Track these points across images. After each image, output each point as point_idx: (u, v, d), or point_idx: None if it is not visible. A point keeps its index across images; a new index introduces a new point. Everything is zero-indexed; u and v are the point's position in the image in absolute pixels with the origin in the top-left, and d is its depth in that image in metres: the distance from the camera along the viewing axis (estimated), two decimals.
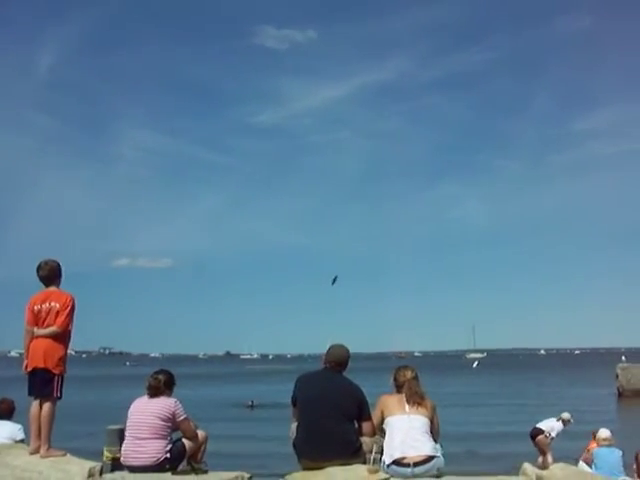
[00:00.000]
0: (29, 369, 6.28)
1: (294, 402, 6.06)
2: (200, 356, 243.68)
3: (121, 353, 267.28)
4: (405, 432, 5.70)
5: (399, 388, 6.13)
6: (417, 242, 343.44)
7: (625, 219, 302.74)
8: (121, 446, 6.20)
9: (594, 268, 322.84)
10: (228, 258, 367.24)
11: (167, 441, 6.06)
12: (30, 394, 6.34)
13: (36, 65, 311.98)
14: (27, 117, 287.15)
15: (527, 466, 5.70)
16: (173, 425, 6.12)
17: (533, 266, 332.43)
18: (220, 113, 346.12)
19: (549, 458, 13.55)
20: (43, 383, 6.23)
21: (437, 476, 5.56)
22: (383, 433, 5.92)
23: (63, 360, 6.33)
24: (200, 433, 6.38)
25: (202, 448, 6.43)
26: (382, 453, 5.78)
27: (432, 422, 5.89)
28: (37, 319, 6.30)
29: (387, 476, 5.46)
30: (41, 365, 6.20)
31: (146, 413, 6.08)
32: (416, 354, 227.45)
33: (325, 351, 6.24)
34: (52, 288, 6.44)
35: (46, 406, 6.22)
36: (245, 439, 21.36)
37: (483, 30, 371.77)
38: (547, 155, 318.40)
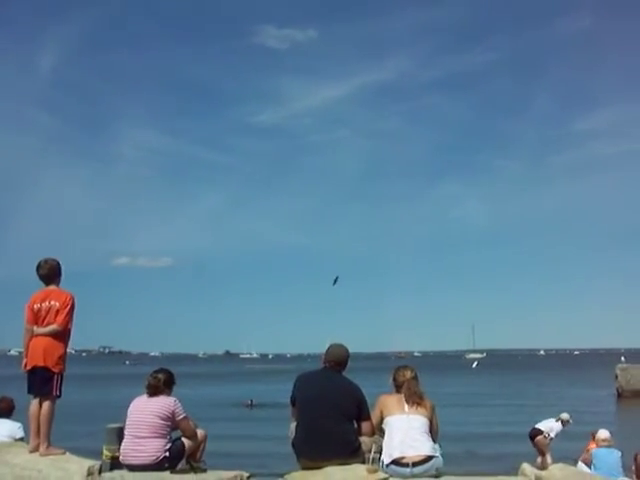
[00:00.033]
0: (28, 367, 6.29)
1: (293, 402, 6.07)
2: (200, 355, 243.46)
3: (121, 352, 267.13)
4: (404, 432, 5.70)
5: (398, 388, 6.14)
6: (417, 242, 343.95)
7: (625, 220, 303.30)
8: (120, 445, 6.20)
9: (594, 268, 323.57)
10: (228, 258, 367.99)
11: (166, 440, 6.05)
12: (29, 392, 6.34)
13: (37, 65, 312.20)
14: (28, 116, 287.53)
15: (526, 466, 5.70)
16: (172, 424, 6.12)
17: (533, 266, 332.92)
18: (220, 113, 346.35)
19: (548, 458, 13.55)
20: (43, 382, 6.24)
21: (436, 476, 5.56)
22: (382, 433, 5.92)
23: (63, 359, 6.34)
24: (199, 432, 6.38)
25: (201, 447, 6.43)
26: (381, 453, 5.78)
27: (431, 422, 5.89)
28: (37, 318, 6.30)
29: (386, 476, 5.46)
30: (41, 363, 6.21)
31: (145, 412, 6.08)
32: (416, 354, 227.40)
33: (325, 351, 6.25)
34: (52, 287, 6.44)
35: (45, 405, 6.23)
36: (244, 438, 21.36)
37: (483, 30, 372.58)
38: (547, 155, 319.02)
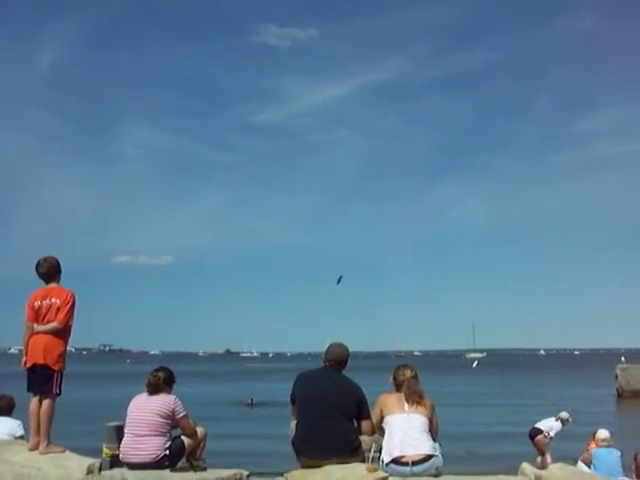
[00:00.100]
0: (28, 365, 6.29)
1: (293, 400, 6.07)
2: (200, 354, 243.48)
3: (121, 350, 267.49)
4: (404, 431, 5.71)
5: (398, 387, 6.14)
6: (417, 241, 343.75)
7: (626, 220, 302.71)
8: (120, 443, 6.21)
9: (594, 269, 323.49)
10: (228, 256, 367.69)
11: (166, 438, 6.06)
12: (29, 390, 6.35)
13: (37, 63, 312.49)
14: (28, 115, 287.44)
15: (526, 466, 5.70)
16: (172, 422, 6.12)
17: (533, 266, 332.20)
18: (221, 111, 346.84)
19: (548, 458, 13.55)
20: (42, 379, 6.23)
21: (436, 475, 5.56)
22: (382, 432, 5.93)
23: (63, 356, 6.33)
24: (199, 430, 6.38)
25: (201, 445, 6.44)
26: (381, 452, 5.79)
27: (431, 421, 5.90)
28: (37, 315, 6.30)
29: (386, 475, 5.46)
30: (41, 361, 6.21)
31: (145, 410, 6.08)
32: (416, 353, 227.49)
33: (325, 349, 6.25)
34: (53, 285, 6.45)
35: (45, 403, 6.23)
36: (244, 437, 21.36)
37: (484, 30, 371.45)
38: (548, 155, 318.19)
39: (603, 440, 11.05)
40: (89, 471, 5.75)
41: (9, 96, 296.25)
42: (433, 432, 5.91)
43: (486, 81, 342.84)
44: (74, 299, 6.40)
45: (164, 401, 6.12)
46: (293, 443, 5.91)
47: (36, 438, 6.24)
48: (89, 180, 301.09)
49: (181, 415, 6.15)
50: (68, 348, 6.49)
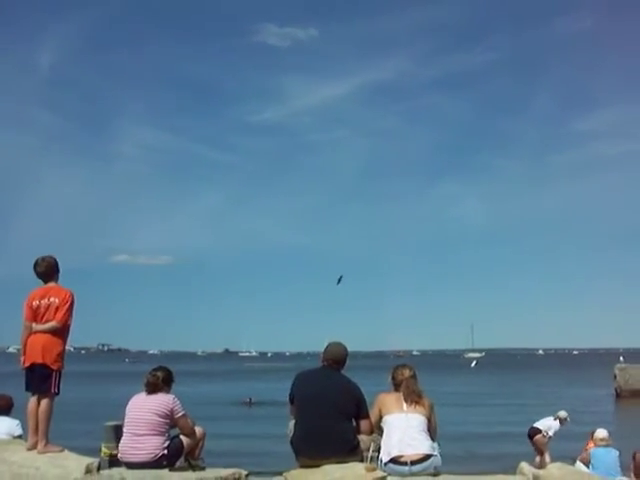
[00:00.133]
0: (27, 364, 6.28)
1: (292, 400, 6.07)
2: (199, 353, 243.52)
3: (120, 350, 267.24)
4: (403, 430, 5.71)
5: (397, 387, 6.14)
6: (416, 241, 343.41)
7: (625, 220, 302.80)
8: (119, 442, 6.20)
9: (593, 269, 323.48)
10: (227, 256, 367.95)
11: (165, 438, 6.06)
12: (27, 390, 6.34)
13: (37, 63, 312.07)
14: (28, 115, 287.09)
15: (524, 465, 5.70)
16: (171, 422, 6.12)
17: (532, 266, 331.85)
18: (220, 111, 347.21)
19: (547, 457, 13.56)
20: (41, 379, 6.23)
21: (434, 475, 5.56)
22: (381, 431, 5.93)
23: (61, 356, 6.33)
24: (198, 430, 6.38)
25: (200, 445, 6.44)
26: (380, 451, 5.79)
27: (430, 421, 5.91)
28: (36, 315, 6.30)
29: (384, 474, 5.46)
30: (39, 361, 6.20)
31: (144, 409, 6.08)
32: (414, 353, 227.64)
33: (323, 349, 6.25)
34: (51, 284, 6.44)
35: (44, 402, 6.22)
36: (243, 436, 21.36)
37: (483, 30, 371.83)
38: (547, 155, 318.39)
39: (601, 440, 11.05)
40: (88, 470, 5.75)
41: (9, 96, 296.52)
42: (432, 432, 5.91)
43: (486, 81, 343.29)
44: (73, 298, 6.40)
45: (163, 400, 6.12)
46: (292, 442, 5.91)
47: (34, 437, 6.23)
48: (88, 180, 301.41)
49: (180, 414, 6.15)
50: (67, 347, 6.49)
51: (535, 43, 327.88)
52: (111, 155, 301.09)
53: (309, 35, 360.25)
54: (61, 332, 6.34)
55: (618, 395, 36.83)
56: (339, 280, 17.18)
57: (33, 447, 6.21)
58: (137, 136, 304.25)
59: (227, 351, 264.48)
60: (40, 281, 6.48)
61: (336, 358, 6.12)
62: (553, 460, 10.64)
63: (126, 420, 6.18)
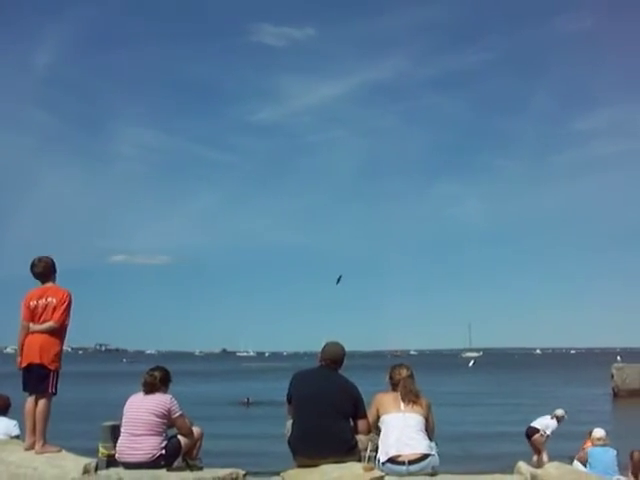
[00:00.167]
0: (24, 365, 6.28)
1: (289, 399, 6.07)
2: (196, 353, 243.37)
3: (117, 350, 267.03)
4: (400, 430, 5.71)
5: (394, 386, 6.14)
6: (415, 241, 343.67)
7: (624, 220, 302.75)
8: (116, 442, 6.20)
9: (591, 268, 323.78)
10: (225, 256, 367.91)
11: (162, 438, 6.06)
12: (25, 390, 6.33)
13: (34, 63, 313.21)
14: (25, 115, 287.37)
15: (522, 464, 5.70)
16: (168, 422, 6.12)
17: (530, 266, 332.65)
18: (218, 111, 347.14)
19: (544, 457, 13.59)
20: (38, 379, 6.22)
21: (432, 474, 5.56)
22: (378, 431, 5.93)
23: (59, 356, 6.33)
24: (195, 430, 6.39)
25: (197, 445, 6.44)
26: (377, 451, 5.79)
27: (427, 420, 5.91)
28: (33, 315, 6.29)
29: (382, 474, 5.46)
30: (37, 361, 6.20)
31: (141, 410, 6.08)
32: (412, 352, 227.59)
33: (321, 349, 6.25)
34: (49, 284, 6.44)
35: (41, 402, 6.21)
36: (241, 437, 21.36)
37: (482, 29, 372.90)
38: (547, 155, 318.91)
39: (599, 439, 11.08)
40: (85, 471, 5.74)
41: (6, 96, 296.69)
42: (429, 431, 5.91)
43: (484, 80, 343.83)
44: (70, 298, 6.39)
45: (160, 400, 6.12)
46: (289, 442, 5.91)
47: (32, 438, 6.23)
48: (86, 180, 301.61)
49: (177, 414, 6.15)
50: (64, 347, 6.48)
51: (534, 42, 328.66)
52: (109, 155, 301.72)
53: (306, 35, 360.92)
54: (59, 332, 6.33)
55: (615, 395, 36.88)
56: (338, 280, 17.20)
57: (31, 447, 6.21)
58: (135, 136, 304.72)
59: (225, 351, 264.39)
60: (37, 281, 6.48)
61: (334, 358, 6.12)
62: (551, 459, 10.67)
63: (124, 420, 6.18)
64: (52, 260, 6.54)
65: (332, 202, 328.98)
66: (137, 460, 5.91)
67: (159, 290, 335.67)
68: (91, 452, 6.49)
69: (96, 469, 5.85)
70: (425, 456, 5.61)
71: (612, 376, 37.76)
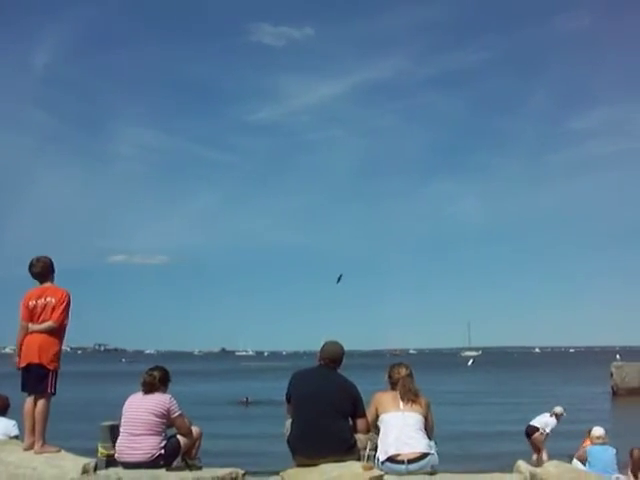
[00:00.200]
0: (23, 364, 6.26)
1: (288, 399, 6.06)
2: (195, 353, 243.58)
3: (116, 349, 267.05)
4: (399, 429, 5.71)
5: (393, 385, 6.13)
6: (413, 240, 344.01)
7: (622, 218, 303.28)
8: (115, 442, 6.20)
9: (590, 267, 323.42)
10: (224, 255, 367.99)
11: (161, 437, 6.05)
12: (24, 390, 6.32)
13: (33, 63, 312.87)
14: (24, 115, 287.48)
15: (521, 463, 5.70)
16: (168, 421, 6.11)
17: (529, 264, 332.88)
18: (217, 111, 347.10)
19: (544, 455, 13.60)
20: (37, 379, 6.21)
21: (431, 473, 5.56)
22: (377, 430, 5.93)
23: (58, 356, 6.31)
24: (194, 429, 6.38)
25: (197, 444, 6.44)
26: (376, 450, 5.79)
27: (426, 419, 5.90)
28: (32, 315, 6.28)
29: (381, 473, 5.46)
30: (36, 361, 6.18)
31: (140, 409, 6.07)
32: (411, 351, 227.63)
33: (320, 348, 6.25)
34: (47, 284, 6.43)
35: (40, 402, 6.20)
36: (240, 436, 21.38)
37: (480, 28, 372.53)
38: (544, 154, 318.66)
39: (598, 438, 11.08)
40: (84, 471, 5.73)
41: (5, 96, 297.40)
42: (428, 430, 5.91)
43: (482, 79, 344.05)
44: (69, 298, 6.38)
45: (159, 400, 6.12)
46: (288, 442, 5.90)
47: (31, 438, 6.22)
48: (85, 180, 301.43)
49: (176, 414, 6.14)
50: (63, 347, 6.47)
51: (532, 41, 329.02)
52: (108, 155, 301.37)
53: (305, 34, 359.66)
54: (57, 332, 6.32)
55: (615, 393, 36.95)
56: (339, 279, 17.20)
57: (30, 447, 6.19)
58: (133, 136, 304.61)
59: (224, 350, 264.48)
60: (36, 281, 6.47)
61: (333, 357, 6.12)
62: (550, 458, 10.67)
63: (123, 420, 6.17)
64: (50, 260, 6.53)
65: (330, 201, 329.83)
66: (136, 460, 5.90)
67: (158, 290, 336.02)
68: (90, 452, 6.49)
69: (95, 469, 5.84)
70: (424, 455, 5.61)
71: (611, 375, 37.83)
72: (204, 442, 6.58)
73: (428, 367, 65.07)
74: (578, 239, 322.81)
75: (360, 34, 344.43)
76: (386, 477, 5.43)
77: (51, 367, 6.23)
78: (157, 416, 6.03)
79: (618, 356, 63.53)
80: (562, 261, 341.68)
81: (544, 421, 14.59)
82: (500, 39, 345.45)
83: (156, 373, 6.31)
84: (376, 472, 5.43)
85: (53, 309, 6.25)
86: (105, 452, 6.47)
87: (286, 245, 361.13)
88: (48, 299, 6.29)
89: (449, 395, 35.72)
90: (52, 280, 6.48)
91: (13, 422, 8.37)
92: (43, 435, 6.19)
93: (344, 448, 5.69)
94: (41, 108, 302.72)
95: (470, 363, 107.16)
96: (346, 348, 6.32)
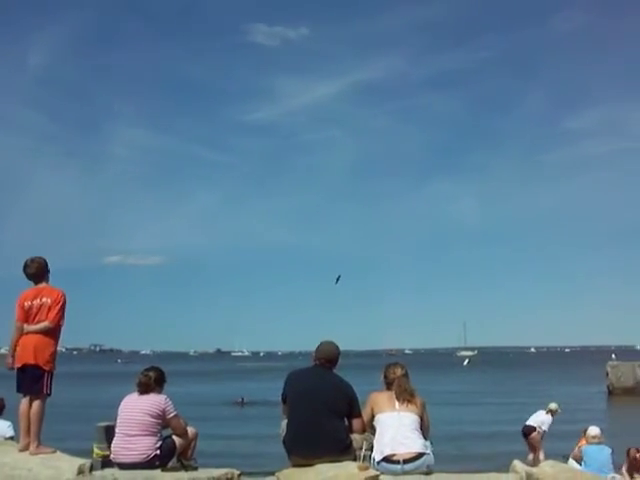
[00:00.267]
0: (19, 365, 6.25)
1: (284, 399, 6.06)
2: (191, 353, 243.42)
3: (112, 350, 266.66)
4: (395, 429, 5.71)
5: (389, 385, 6.14)
6: (409, 240, 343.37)
7: (618, 218, 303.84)
8: (111, 443, 6.19)
9: (586, 267, 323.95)
10: (220, 256, 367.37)
11: (157, 438, 6.04)
12: (19, 391, 6.30)
13: (29, 63, 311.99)
14: (19, 116, 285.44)
15: (517, 463, 5.71)
16: (163, 422, 6.11)
17: (525, 264, 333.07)
18: (213, 111, 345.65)
19: (541, 455, 13.60)
20: (33, 380, 6.20)
21: (427, 473, 5.56)
22: (373, 430, 5.93)
23: (53, 356, 6.31)
24: (190, 430, 6.37)
25: (192, 445, 6.43)
26: (372, 450, 5.79)
27: (422, 419, 5.90)
28: (27, 315, 6.27)
29: (377, 473, 5.46)
30: (31, 361, 6.17)
31: (136, 410, 6.06)
32: (407, 352, 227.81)
33: (315, 348, 6.24)
34: (43, 284, 6.42)
35: (35, 403, 6.19)
36: (235, 437, 21.36)
37: (475, 29, 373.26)
38: (539, 154, 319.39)
39: (594, 437, 11.10)
40: (80, 471, 5.73)
41: (0, 97, 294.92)
42: (424, 430, 5.91)
43: (477, 80, 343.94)
44: (65, 298, 6.38)
45: (155, 401, 6.11)
46: (284, 442, 5.91)
47: (26, 439, 6.20)
48: (82, 181, 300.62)
49: (172, 415, 6.13)
50: (58, 348, 6.46)
51: (527, 42, 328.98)
52: (103, 156, 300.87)
53: (300, 34, 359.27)
54: (53, 333, 6.31)
55: (610, 393, 37.02)
56: (337, 279, 17.15)
57: (25, 448, 6.18)
58: (130, 137, 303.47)
59: (219, 351, 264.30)
60: (31, 282, 6.46)
61: (328, 357, 6.12)
62: (546, 458, 10.68)
63: (118, 421, 6.16)
64: (45, 260, 6.52)
65: (326, 202, 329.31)
66: (132, 460, 5.89)
67: (154, 290, 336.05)
68: (86, 453, 6.49)
69: (91, 470, 5.84)
70: (420, 455, 5.61)
71: (607, 374, 37.91)
72: (200, 443, 6.58)
73: (424, 367, 65.07)
74: (574, 239, 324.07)
75: (356, 34, 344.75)
76: (382, 477, 5.43)
77: (47, 368, 6.22)
78: (152, 417, 6.02)
79: (614, 356, 63.90)
80: (558, 261, 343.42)
81: (540, 419, 14.60)
82: (496, 40, 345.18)
83: (151, 374, 6.30)
84: (372, 472, 5.43)
85: (49, 309, 6.25)
86: (101, 453, 6.46)
87: (283, 245, 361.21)
88: (44, 299, 6.28)
89: (445, 395, 35.76)
90: (47, 280, 6.47)
91: (8, 423, 8.37)
92: (38, 436, 6.18)
93: (340, 448, 5.70)
94: (37, 109, 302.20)
95: (466, 363, 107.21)
96: (342, 348, 6.33)
